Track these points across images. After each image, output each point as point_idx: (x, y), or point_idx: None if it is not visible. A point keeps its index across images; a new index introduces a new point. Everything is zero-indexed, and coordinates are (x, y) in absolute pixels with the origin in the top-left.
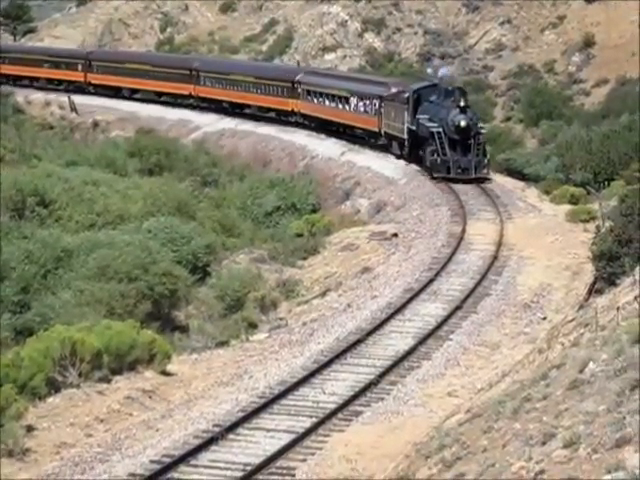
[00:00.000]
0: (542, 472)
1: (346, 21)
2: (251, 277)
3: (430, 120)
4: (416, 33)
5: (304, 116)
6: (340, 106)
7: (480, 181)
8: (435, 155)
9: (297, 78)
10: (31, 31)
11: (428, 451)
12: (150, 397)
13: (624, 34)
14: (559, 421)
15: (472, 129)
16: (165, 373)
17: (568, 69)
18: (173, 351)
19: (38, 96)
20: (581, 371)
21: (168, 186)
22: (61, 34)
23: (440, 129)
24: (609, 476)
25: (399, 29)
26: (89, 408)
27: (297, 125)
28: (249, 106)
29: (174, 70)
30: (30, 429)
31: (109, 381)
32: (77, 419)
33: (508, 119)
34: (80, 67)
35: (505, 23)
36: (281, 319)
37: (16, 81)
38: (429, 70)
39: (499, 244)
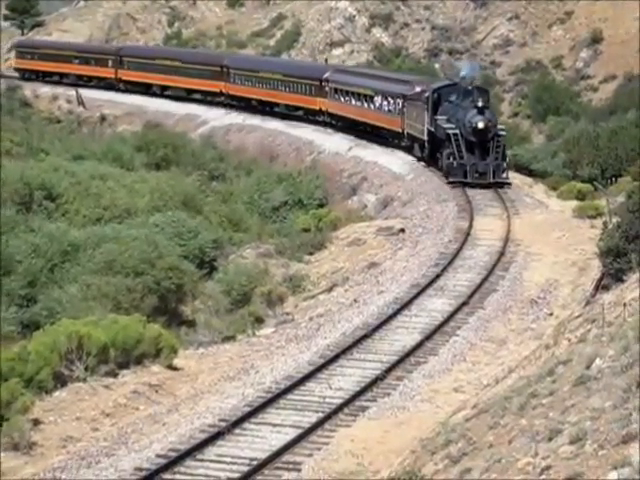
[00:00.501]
0: (548, 468)
1: (354, 16)
2: (258, 272)
3: (448, 121)
4: (424, 28)
5: (331, 115)
6: (365, 105)
7: (499, 186)
8: (451, 158)
9: (325, 76)
10: (39, 25)
11: (434, 447)
12: (156, 391)
13: (631, 30)
14: (565, 417)
15: (490, 131)
16: (171, 367)
17: (576, 65)
18: (179, 345)
19: (46, 90)
20: (587, 367)
21: (175, 180)
22: (69, 28)
23: (457, 131)
24: (615, 472)
25: (407, 24)
26: (95, 402)
27: (325, 125)
28: (277, 104)
29: (205, 67)
30: (36, 423)
31: (116, 375)
32: (83, 413)
33: (515, 115)
34: (111, 63)
35: (513, 19)
36: (287, 314)
37: (45, 77)
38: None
39: (506, 240)
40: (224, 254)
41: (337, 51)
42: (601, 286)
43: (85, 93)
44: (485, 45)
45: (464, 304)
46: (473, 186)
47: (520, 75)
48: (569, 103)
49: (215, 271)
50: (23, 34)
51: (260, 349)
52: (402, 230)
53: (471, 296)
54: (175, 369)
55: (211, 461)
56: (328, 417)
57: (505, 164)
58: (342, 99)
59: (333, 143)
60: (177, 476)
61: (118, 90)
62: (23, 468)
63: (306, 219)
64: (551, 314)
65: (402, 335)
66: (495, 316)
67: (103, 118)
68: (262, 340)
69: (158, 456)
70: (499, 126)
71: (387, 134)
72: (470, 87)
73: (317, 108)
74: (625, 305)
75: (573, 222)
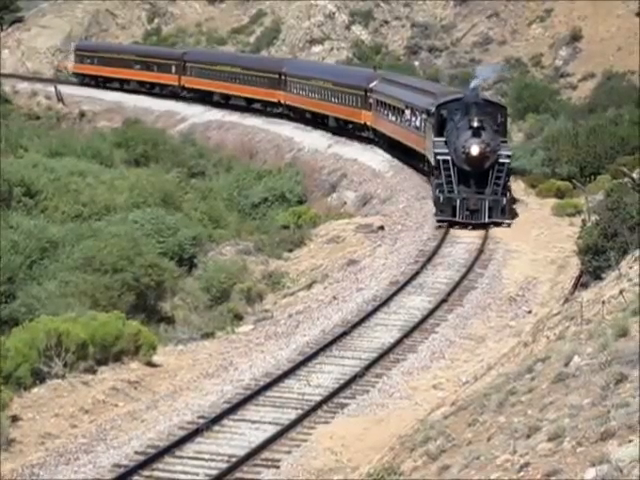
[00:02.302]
0: (527, 465)
1: (334, 13)
2: (237, 269)
3: (445, 145)
4: (403, 26)
5: (375, 132)
6: (399, 120)
7: (496, 225)
8: (438, 191)
9: (371, 85)
10: (18, 21)
11: (413, 443)
12: (135, 388)
13: (611, 28)
14: (544, 414)
15: (489, 157)
16: (150, 364)
17: (555, 63)
18: (158, 342)
19: (25, 86)
20: (566, 365)
21: (154, 177)
22: (48, 24)
23: (448, 157)
24: (593, 469)
25: (387, 22)
26: (74, 399)
27: (372, 143)
28: (327, 117)
29: (263, 74)
30: (15, 419)
31: (94, 372)
32: (62, 410)
33: None
34: (174, 69)
35: (492, 17)
36: (267, 311)
37: (106, 83)
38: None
39: (485, 237)
40: (203, 251)
41: (317, 48)
42: (580, 284)
43: (64, 89)
44: (465, 43)
45: (443, 301)
46: (465, 226)
47: (499, 73)
48: (548, 101)
49: (194, 268)
50: (2, 30)
51: (239, 346)
52: (381, 227)
53: (450, 293)
54: (154, 366)
55: (190, 458)
56: (307, 414)
57: (505, 200)
58: (383, 113)
59: (313, 140)
60: (156, 473)
61: (181, 99)
62: (2, 464)
63: (285, 216)
64: (530, 312)
65: (381, 332)
66: (474, 314)
67: (82, 114)
68: (241, 337)
69: (137, 453)
70: (504, 152)
71: (415, 156)
72: (473, 100)
73: (362, 122)
74: (604, 303)
75: (552, 220)
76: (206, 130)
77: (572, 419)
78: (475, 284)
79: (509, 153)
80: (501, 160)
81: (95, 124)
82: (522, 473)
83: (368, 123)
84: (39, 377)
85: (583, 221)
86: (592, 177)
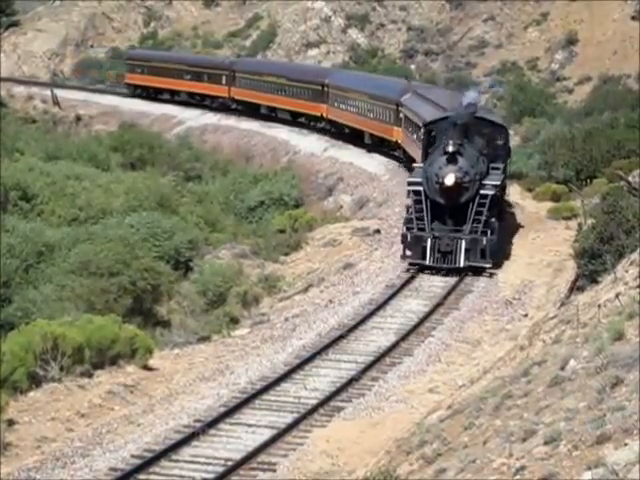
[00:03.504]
0: (523, 468)
1: (330, 17)
2: (233, 272)
3: (422, 172)
4: (400, 29)
5: (405, 151)
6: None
7: (475, 271)
8: (406, 227)
9: (402, 99)
10: (14, 24)
11: (409, 447)
12: (131, 392)
13: (607, 32)
14: (540, 418)
15: (467, 189)
16: (147, 368)
17: (551, 66)
18: (155, 346)
19: (21, 90)
20: (562, 368)
21: (151, 181)
22: (44, 28)
23: (419, 187)
24: (589, 472)
25: (383, 25)
26: (70, 402)
27: (399, 162)
28: (363, 134)
29: (307, 85)
30: (11, 423)
31: (91, 375)
32: (58, 413)
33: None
34: (224, 80)
35: (488, 20)
36: (263, 314)
37: (157, 94)
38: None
39: None
40: (200, 254)
41: (313, 52)
42: (576, 287)
43: (60, 93)
44: (461, 46)
45: (439, 305)
46: (437, 271)
47: (496, 76)
48: (544, 105)
49: (190, 271)
50: None
51: (235, 350)
52: (378, 231)
53: (446, 297)
54: (150, 369)
55: (186, 462)
56: (303, 417)
57: (486, 240)
58: (409, 130)
59: (309, 144)
60: (152, 476)
61: (231, 111)
62: None
63: (282, 220)
64: (526, 315)
65: (377, 336)
66: (470, 317)
67: (78, 118)
68: (237, 341)
69: (133, 456)
70: (490, 181)
71: None
72: (460, 121)
73: (394, 140)
74: (600, 306)
75: (548, 223)
76: (202, 133)
77: (568, 422)
78: (471, 288)
79: (496, 183)
80: (484, 192)
81: (91, 128)
82: (518, 476)
83: (399, 141)
84: (35, 381)
85: (579, 224)
86: (588, 180)
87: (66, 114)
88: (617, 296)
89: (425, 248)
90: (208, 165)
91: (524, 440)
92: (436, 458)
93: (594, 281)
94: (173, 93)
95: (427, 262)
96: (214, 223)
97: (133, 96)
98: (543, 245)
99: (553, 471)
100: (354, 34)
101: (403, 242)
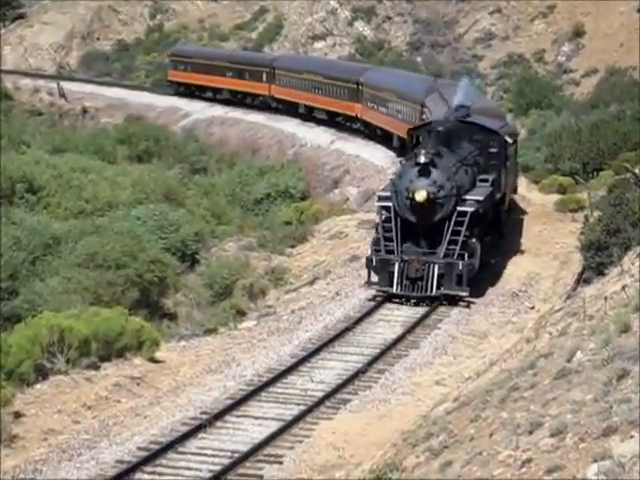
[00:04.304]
0: (529, 461)
1: (336, 9)
2: (239, 265)
3: (392, 185)
4: (406, 22)
5: None
6: None
7: (449, 299)
8: (374, 249)
9: (426, 99)
10: (21, 17)
11: (415, 439)
12: (138, 384)
13: (613, 24)
14: (546, 410)
15: (443, 205)
16: (153, 360)
17: (558, 59)
18: (161, 338)
19: (27, 82)
20: (569, 360)
21: (157, 173)
22: (50, 20)
23: (389, 203)
24: (595, 465)
25: (389, 18)
26: (77, 395)
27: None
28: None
29: (342, 84)
30: (18, 415)
31: (97, 368)
32: (65, 406)
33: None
34: (265, 77)
35: (495, 12)
36: (269, 307)
37: (202, 92)
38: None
39: None
40: (206, 247)
41: (319, 44)
42: (582, 280)
43: (67, 85)
44: (467, 39)
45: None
46: (406, 300)
47: (502, 69)
48: (551, 97)
49: (197, 264)
50: (4, 26)
51: (242, 342)
52: None
53: None
54: (157, 362)
55: (192, 454)
56: (310, 410)
57: (463, 265)
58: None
59: (315, 136)
60: (159, 469)
61: (272, 111)
62: (4, 460)
63: (288, 212)
64: (532, 307)
65: (384, 328)
66: (477, 310)
67: (85, 111)
68: (244, 333)
69: (139, 449)
70: (472, 197)
71: None
72: (439, 126)
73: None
74: (606, 298)
75: (555, 216)
76: (208, 126)
77: (574, 415)
78: (478, 280)
79: (479, 198)
80: (462, 208)
81: (97, 120)
82: (524, 469)
83: None
84: (42, 373)
85: (586, 217)
86: (595, 173)
87: (72, 107)
88: (623, 288)
89: (392, 274)
90: (214, 158)
91: (530, 432)
92: (442, 451)
93: (600, 273)
94: (215, 91)
95: (394, 289)
96: (220, 216)
97: (176, 94)
98: (550, 237)
99: (559, 463)
100: (360, 27)
101: (368, 266)
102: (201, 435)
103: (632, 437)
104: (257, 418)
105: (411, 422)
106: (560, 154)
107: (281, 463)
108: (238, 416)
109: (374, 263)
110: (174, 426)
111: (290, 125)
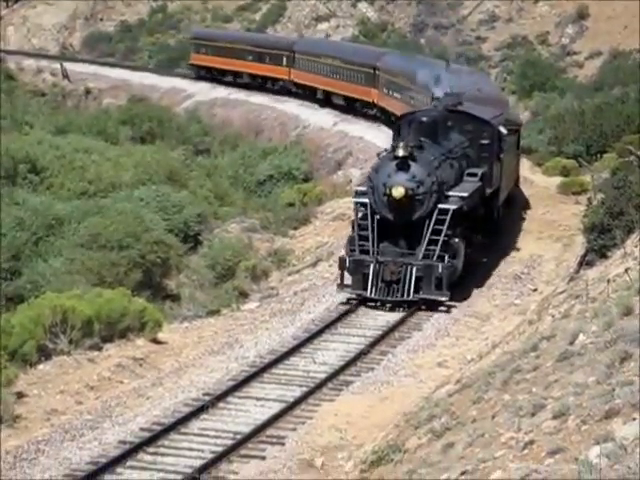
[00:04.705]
0: (531, 442)
1: None
2: (242, 246)
3: (368, 180)
4: (409, 3)
5: None
6: None
7: (428, 304)
8: (349, 249)
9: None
10: None
11: (418, 421)
12: (141, 365)
13: (617, 7)
14: (549, 392)
15: (422, 202)
16: (156, 341)
17: (561, 41)
18: (164, 319)
19: (30, 63)
20: (571, 343)
21: (160, 154)
22: (54, 1)
23: (365, 199)
24: (597, 447)
25: None
26: (80, 375)
27: None
28: None
29: (359, 68)
30: (20, 396)
31: (100, 349)
32: (68, 386)
33: (501, 90)
34: (285, 61)
35: None
36: (272, 288)
37: (223, 76)
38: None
39: None
40: (209, 228)
41: (322, 25)
42: (585, 262)
43: (70, 66)
44: (471, 20)
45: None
46: (381, 304)
47: (506, 51)
48: (554, 79)
49: (200, 245)
50: (8, 7)
51: (244, 323)
52: None
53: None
54: (159, 343)
55: (195, 435)
56: (312, 391)
57: (442, 267)
58: None
59: (319, 118)
60: (161, 449)
61: (291, 95)
62: (7, 441)
63: (291, 193)
64: (535, 290)
65: (386, 310)
66: (479, 292)
67: (88, 91)
68: (246, 314)
69: (142, 429)
70: (456, 193)
71: None
72: (422, 118)
73: None
74: (609, 281)
75: (558, 198)
76: (211, 107)
77: (577, 397)
78: (480, 262)
79: (464, 194)
80: (444, 206)
81: (100, 101)
82: (526, 451)
83: None
84: (44, 354)
85: (589, 199)
86: (598, 155)
87: (75, 87)
88: (626, 271)
89: (367, 276)
90: (217, 139)
91: (533, 414)
92: (444, 432)
93: (603, 256)
94: (235, 75)
95: (369, 293)
96: (223, 197)
97: (198, 78)
98: (552, 220)
99: (561, 445)
100: (364, 8)
101: (341, 268)
102: (203, 416)
103: (634, 419)
104: (259, 399)
105: (413, 404)
106: (563, 136)
107: (283, 444)
108: (240, 397)
109: (347, 264)
110: (176, 407)
111: (293, 106)
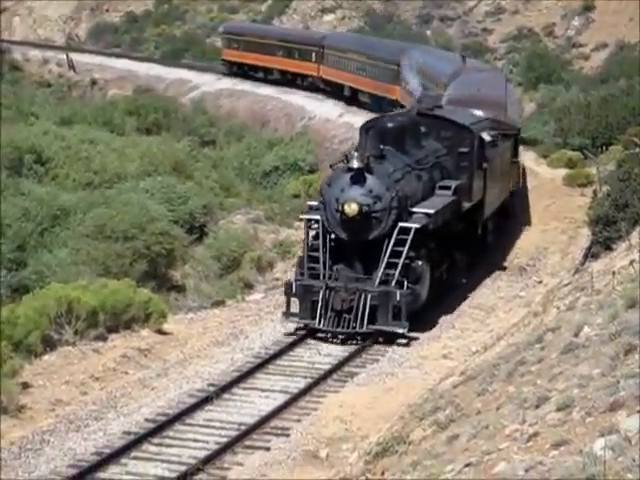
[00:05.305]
0: (536, 435)
1: None
2: (248, 237)
3: (319, 195)
4: None
5: None
6: None
7: (386, 337)
8: (298, 272)
9: (451, 83)
10: None
11: (422, 413)
12: (146, 356)
13: None
14: (553, 384)
15: (380, 221)
16: (161, 332)
17: (567, 33)
18: (169, 310)
19: (36, 53)
20: (576, 335)
21: (165, 145)
22: None
23: (318, 215)
24: (602, 439)
25: None
26: (85, 366)
27: None
28: None
29: (384, 64)
30: (25, 386)
31: (105, 339)
32: (73, 377)
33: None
34: (314, 56)
35: None
36: (277, 280)
37: (255, 72)
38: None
39: None
40: (214, 219)
41: (329, 17)
42: (590, 254)
43: (76, 57)
44: (477, 12)
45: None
46: (332, 337)
47: (512, 43)
48: (560, 71)
49: (205, 236)
50: None
51: (249, 314)
52: None
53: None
54: (164, 334)
55: (200, 426)
56: (317, 383)
57: (400, 295)
58: None
59: (324, 109)
60: (166, 440)
61: (320, 92)
62: (12, 431)
63: (296, 185)
64: (540, 282)
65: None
66: (484, 284)
67: (94, 82)
68: (251, 305)
69: (147, 420)
70: (426, 208)
71: None
72: (390, 124)
73: None
74: (614, 273)
75: (563, 190)
76: (217, 98)
77: (581, 389)
78: (485, 253)
79: (430, 211)
80: (405, 224)
81: (106, 92)
82: (531, 443)
83: None
84: (50, 344)
85: (594, 191)
86: (604, 148)
87: (81, 78)
88: (631, 263)
89: (315, 303)
90: (223, 130)
91: (537, 406)
92: (449, 424)
93: (608, 248)
94: (266, 71)
95: (317, 324)
96: (229, 188)
97: (230, 74)
98: (558, 212)
99: (566, 438)
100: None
101: (287, 293)
102: (208, 407)
103: (638, 412)
104: (264, 390)
105: (418, 395)
106: (569, 128)
107: (288, 436)
108: (245, 388)
109: (294, 290)
110: (181, 398)
111: (299, 98)
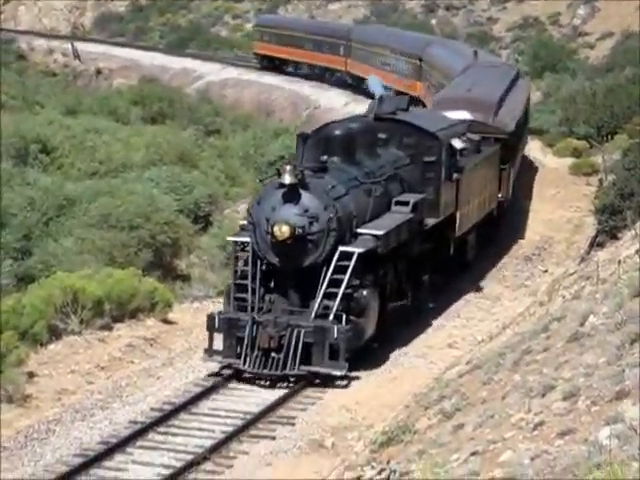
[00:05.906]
0: (541, 423)
1: None
2: None
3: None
4: None
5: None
6: None
7: (323, 379)
8: (226, 302)
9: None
10: None
11: (428, 402)
12: (151, 345)
13: None
14: (559, 373)
15: (317, 245)
16: (166, 321)
17: (573, 22)
18: (174, 300)
19: (41, 43)
20: (581, 324)
21: (171, 135)
22: None
23: (247, 238)
24: (607, 428)
25: None
26: (90, 355)
27: None
28: None
29: (406, 59)
30: (31, 375)
31: (110, 329)
32: (78, 366)
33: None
34: (342, 50)
35: None
36: None
37: (284, 65)
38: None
39: None
40: (219, 209)
41: (334, 6)
42: (596, 243)
43: (81, 46)
44: (482, 1)
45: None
46: (258, 378)
47: (517, 32)
48: (566, 60)
49: (210, 226)
50: None
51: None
52: None
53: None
54: (170, 323)
55: (205, 415)
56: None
57: (338, 331)
58: None
59: (329, 98)
60: (172, 429)
61: (347, 87)
62: (18, 420)
63: None
64: (546, 271)
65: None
66: (490, 273)
67: (99, 72)
68: None
69: (152, 409)
70: (373, 230)
71: None
72: (337, 132)
73: None
74: (619, 262)
75: (569, 179)
76: (222, 88)
77: (587, 378)
78: (491, 243)
79: (377, 233)
80: (346, 248)
81: (111, 81)
82: (536, 432)
83: None
84: (55, 334)
85: (600, 180)
86: (609, 137)
87: (86, 68)
88: (637, 252)
89: (240, 340)
90: (228, 120)
91: (543, 395)
92: (454, 413)
93: (614, 237)
94: (296, 65)
95: (241, 365)
96: (234, 177)
97: (262, 68)
98: (563, 201)
99: (571, 426)
100: None
101: (209, 328)
102: (214, 396)
103: None
104: (269, 380)
105: (423, 385)
106: (575, 117)
107: (293, 425)
108: (250, 377)
109: (217, 324)
110: (187, 387)
111: (304, 87)
